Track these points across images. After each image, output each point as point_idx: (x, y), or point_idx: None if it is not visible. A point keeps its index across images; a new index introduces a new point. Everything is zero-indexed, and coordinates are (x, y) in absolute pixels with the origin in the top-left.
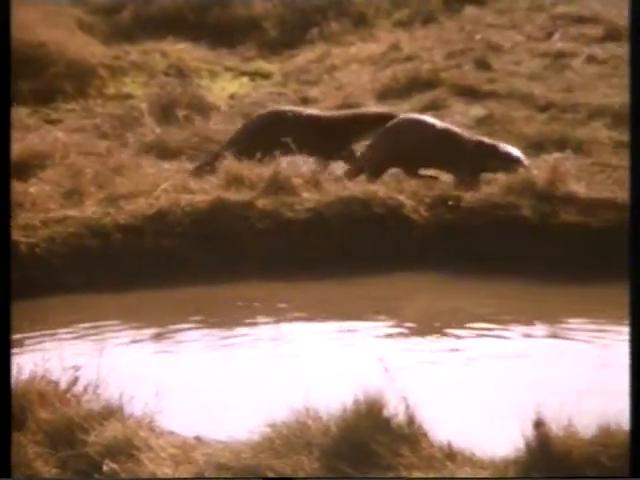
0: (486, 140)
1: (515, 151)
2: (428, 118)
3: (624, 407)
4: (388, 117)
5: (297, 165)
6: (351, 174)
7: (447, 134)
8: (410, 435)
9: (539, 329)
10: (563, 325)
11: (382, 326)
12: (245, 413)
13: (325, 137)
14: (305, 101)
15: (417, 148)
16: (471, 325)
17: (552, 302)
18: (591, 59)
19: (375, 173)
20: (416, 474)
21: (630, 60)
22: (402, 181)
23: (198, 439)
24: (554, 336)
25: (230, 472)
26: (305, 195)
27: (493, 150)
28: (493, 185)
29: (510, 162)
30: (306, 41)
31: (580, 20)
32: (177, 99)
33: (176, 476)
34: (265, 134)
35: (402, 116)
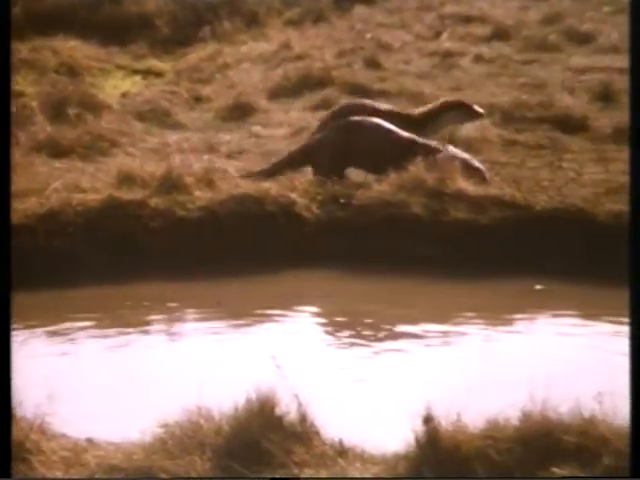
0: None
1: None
2: (376, 118)
3: (513, 401)
4: (457, 104)
5: (189, 163)
6: (270, 172)
7: (391, 134)
8: (302, 433)
9: (430, 326)
10: (454, 321)
11: (275, 324)
12: (138, 414)
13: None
14: (198, 100)
15: (368, 149)
16: (363, 322)
17: (442, 299)
18: (479, 58)
19: (328, 171)
20: (307, 472)
21: (630, 59)
22: (294, 179)
23: (90, 441)
24: (443, 332)
25: (122, 473)
26: (197, 193)
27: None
28: (384, 183)
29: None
30: (198, 39)
31: (468, 20)
32: (68, 97)
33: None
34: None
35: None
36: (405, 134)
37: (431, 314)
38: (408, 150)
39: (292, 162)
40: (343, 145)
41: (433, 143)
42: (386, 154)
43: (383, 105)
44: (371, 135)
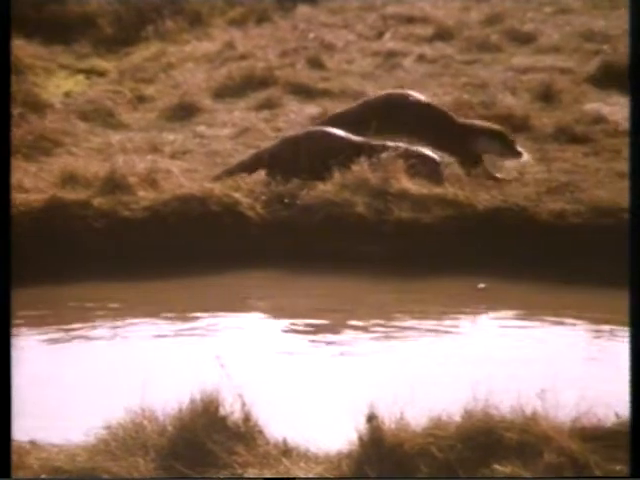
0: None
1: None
2: (332, 129)
3: (456, 399)
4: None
5: (133, 163)
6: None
7: (347, 141)
8: (246, 433)
9: (374, 325)
10: (398, 320)
11: (220, 324)
12: (81, 415)
13: (443, 131)
14: (141, 99)
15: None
16: (308, 322)
17: (386, 297)
18: (421, 58)
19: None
20: (251, 472)
21: (630, 60)
22: (238, 179)
23: (33, 443)
24: (386, 330)
25: (65, 475)
26: (141, 194)
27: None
28: (328, 183)
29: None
30: (142, 39)
31: (410, 20)
32: (11, 96)
33: None
34: (387, 114)
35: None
36: (356, 139)
37: (375, 313)
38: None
39: (245, 168)
40: (293, 156)
41: (384, 143)
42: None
43: (423, 97)
44: (323, 144)
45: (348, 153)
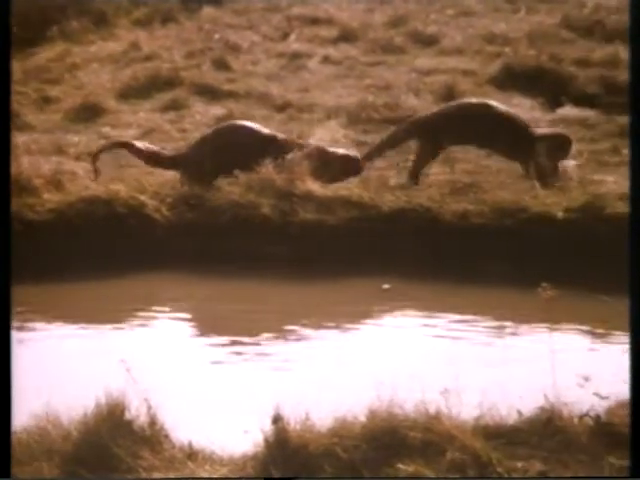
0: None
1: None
2: (249, 123)
3: (361, 399)
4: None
5: (38, 165)
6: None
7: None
8: (152, 437)
9: (280, 325)
10: (304, 321)
11: (126, 327)
12: None
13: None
14: (46, 100)
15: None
16: (214, 323)
17: (292, 298)
18: (326, 60)
19: (197, 177)
20: (157, 475)
21: (630, 60)
22: (144, 180)
23: None
24: (292, 331)
25: None
26: (46, 196)
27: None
28: (234, 185)
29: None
30: (47, 39)
31: (315, 22)
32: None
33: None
34: (465, 120)
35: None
36: (266, 132)
37: (281, 313)
38: (270, 148)
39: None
40: (213, 153)
41: (296, 140)
42: (253, 155)
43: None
44: (239, 139)
45: (258, 147)
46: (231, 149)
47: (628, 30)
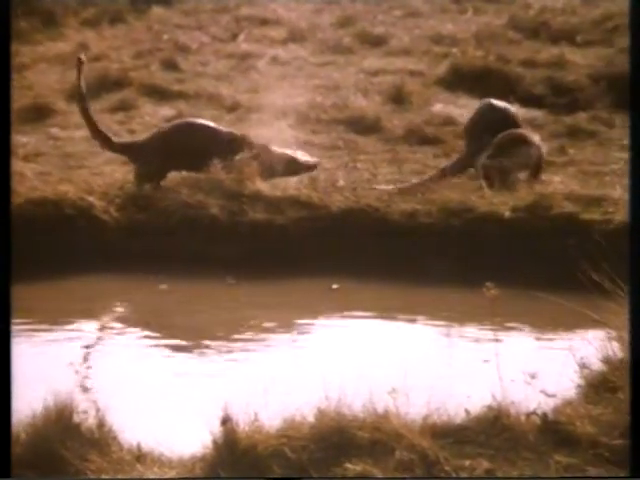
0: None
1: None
2: (201, 120)
3: (310, 399)
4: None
5: None
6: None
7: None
8: (100, 439)
9: (228, 327)
10: (252, 322)
11: (74, 329)
12: None
13: None
14: None
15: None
16: (163, 325)
17: (241, 299)
18: (275, 60)
19: (148, 177)
20: (104, 477)
21: (630, 59)
22: (91, 181)
23: None
24: (240, 332)
25: None
26: None
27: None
28: (182, 185)
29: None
30: None
31: (263, 22)
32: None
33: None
34: (485, 122)
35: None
36: (223, 129)
37: (229, 314)
38: (230, 147)
39: None
40: (166, 149)
41: (247, 137)
42: (209, 152)
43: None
44: (195, 136)
45: (214, 145)
46: (184, 146)
47: (628, 30)
